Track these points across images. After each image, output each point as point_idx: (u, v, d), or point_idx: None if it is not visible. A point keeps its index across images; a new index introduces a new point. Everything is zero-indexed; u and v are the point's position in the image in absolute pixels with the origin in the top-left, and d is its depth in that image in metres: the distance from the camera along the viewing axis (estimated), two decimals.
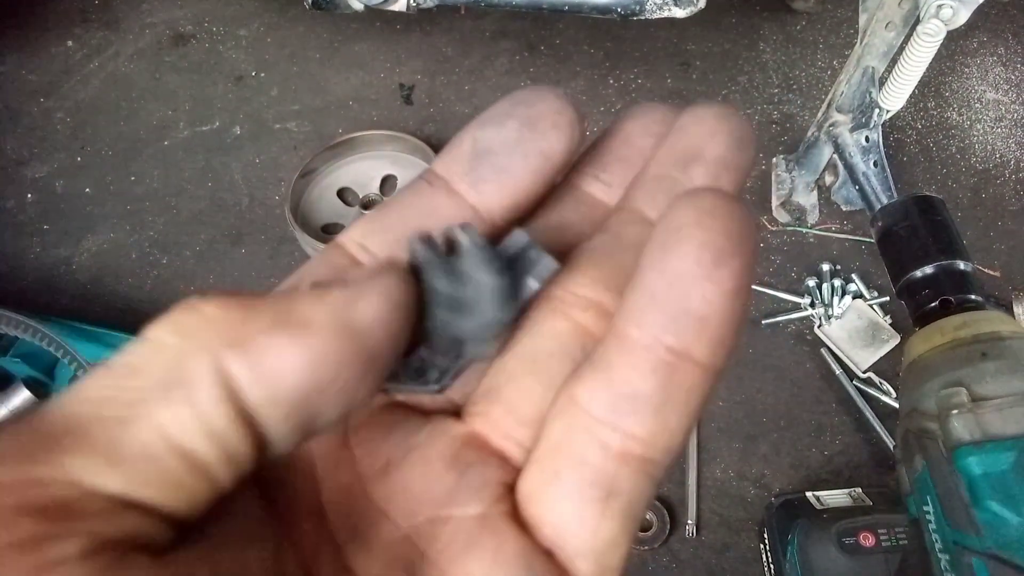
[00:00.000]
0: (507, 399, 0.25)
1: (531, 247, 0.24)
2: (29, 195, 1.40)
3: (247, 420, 0.19)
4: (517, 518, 0.23)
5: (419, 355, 0.25)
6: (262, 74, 1.55)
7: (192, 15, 1.63)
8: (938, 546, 0.83)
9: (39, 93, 1.52)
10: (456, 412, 0.26)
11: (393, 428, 0.25)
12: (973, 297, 0.89)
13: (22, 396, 1.11)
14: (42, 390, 1.14)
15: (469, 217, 0.27)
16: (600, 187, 0.29)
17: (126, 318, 1.25)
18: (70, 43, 1.59)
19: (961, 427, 0.79)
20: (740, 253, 0.21)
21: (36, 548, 0.16)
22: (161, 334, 0.19)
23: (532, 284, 0.24)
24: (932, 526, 0.84)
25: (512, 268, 0.24)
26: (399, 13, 1.17)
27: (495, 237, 0.25)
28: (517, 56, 1.57)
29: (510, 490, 0.24)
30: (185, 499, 0.19)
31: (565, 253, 0.27)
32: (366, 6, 1.16)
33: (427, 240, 0.24)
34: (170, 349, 0.19)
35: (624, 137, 0.30)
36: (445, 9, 1.22)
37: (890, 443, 1.14)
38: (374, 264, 0.24)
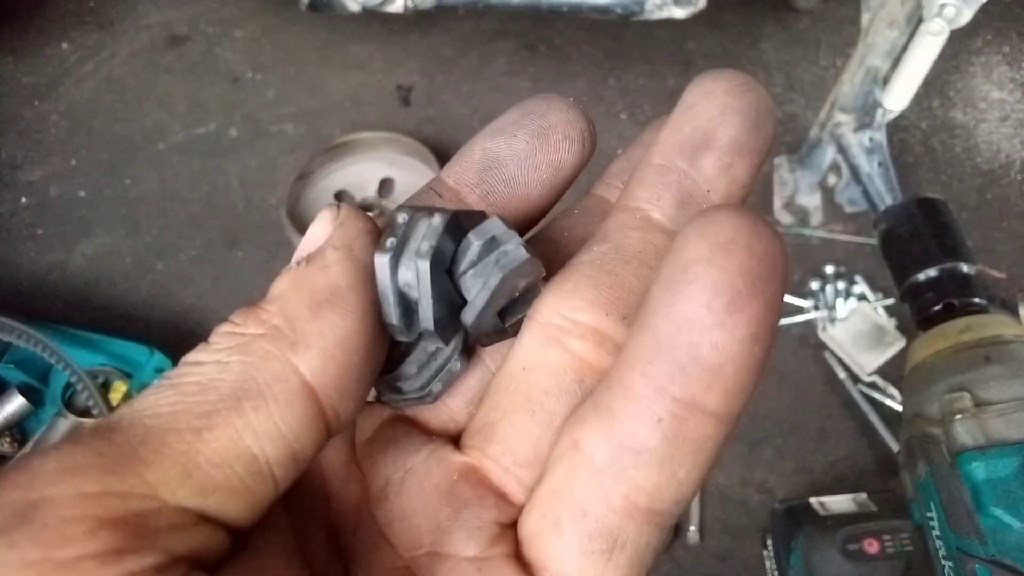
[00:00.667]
0: (504, 438, 0.24)
1: (506, 237, 0.23)
2: (23, 199, 1.40)
3: (317, 413, 0.20)
4: (519, 558, 0.22)
5: (400, 356, 0.24)
6: (258, 76, 1.54)
7: (188, 17, 1.62)
8: (942, 553, 0.82)
9: (34, 96, 1.51)
10: (457, 435, 0.25)
11: (394, 445, 0.25)
12: (977, 300, 0.88)
13: (16, 402, 1.10)
14: (36, 396, 1.13)
15: None
16: None
17: (121, 323, 1.24)
18: (65, 45, 1.58)
19: (964, 432, 0.78)
20: (760, 295, 0.19)
21: (115, 561, 0.17)
22: (218, 356, 0.20)
23: (497, 273, 0.23)
24: (936, 532, 0.83)
25: (484, 257, 0.23)
26: (397, 14, 1.16)
27: (470, 224, 0.23)
28: (516, 56, 1.56)
29: (509, 528, 0.23)
30: (248, 506, 0.19)
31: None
32: (363, 7, 1.16)
33: (400, 216, 0.23)
34: (235, 366, 0.20)
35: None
36: (443, 10, 1.21)
37: (895, 448, 1.12)
38: (328, 213, 0.24)
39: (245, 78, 1.54)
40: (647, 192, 0.25)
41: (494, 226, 0.23)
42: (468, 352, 0.25)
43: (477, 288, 0.23)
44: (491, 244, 0.23)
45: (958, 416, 0.79)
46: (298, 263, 0.22)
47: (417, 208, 0.23)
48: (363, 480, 0.25)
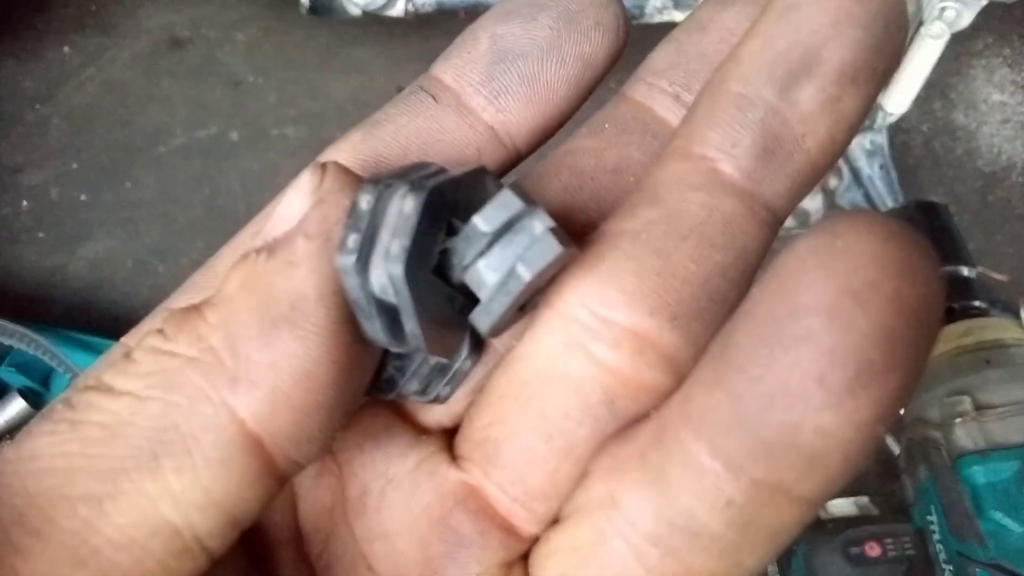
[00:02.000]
0: (511, 463, 0.19)
1: (525, 214, 0.17)
2: (24, 202, 1.40)
3: (264, 468, 0.16)
4: None
5: (394, 367, 0.20)
6: (259, 79, 1.54)
7: (189, 20, 1.62)
8: (942, 556, 0.82)
9: (35, 99, 1.51)
10: (452, 428, 0.21)
11: (373, 442, 0.21)
12: (977, 304, 0.89)
13: (17, 406, 1.10)
14: (37, 400, 1.13)
15: (486, 142, 0.21)
16: (681, 112, 0.21)
17: (122, 327, 1.23)
18: (66, 49, 1.58)
19: (965, 436, 0.79)
20: (901, 367, 0.13)
21: None
22: (135, 385, 0.16)
23: (522, 274, 0.17)
24: (936, 536, 0.83)
25: (498, 241, 0.17)
26: (397, 18, 1.17)
27: (461, 194, 0.18)
28: None
29: (517, 564, 0.20)
30: None
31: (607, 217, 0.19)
32: (364, 11, 1.16)
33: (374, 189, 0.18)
34: (153, 406, 0.15)
35: (720, 36, 0.21)
36: (444, 14, 1.21)
37: (896, 451, 1.12)
38: (310, 181, 0.19)
39: (246, 81, 1.54)
40: (718, 134, 0.18)
41: (508, 204, 0.17)
42: (479, 347, 0.21)
43: (492, 287, 0.17)
44: (506, 227, 0.17)
45: (958, 420, 0.80)
46: (258, 252, 0.17)
47: (387, 183, 0.18)
48: (340, 476, 0.21)
